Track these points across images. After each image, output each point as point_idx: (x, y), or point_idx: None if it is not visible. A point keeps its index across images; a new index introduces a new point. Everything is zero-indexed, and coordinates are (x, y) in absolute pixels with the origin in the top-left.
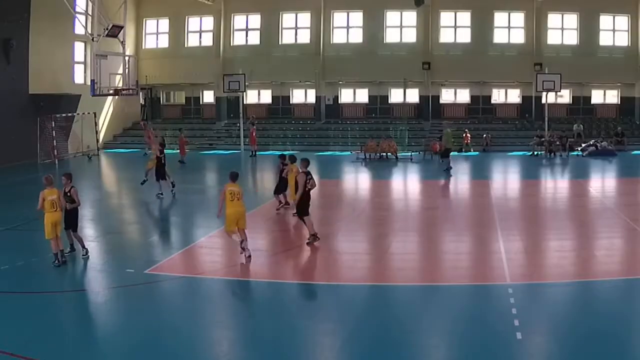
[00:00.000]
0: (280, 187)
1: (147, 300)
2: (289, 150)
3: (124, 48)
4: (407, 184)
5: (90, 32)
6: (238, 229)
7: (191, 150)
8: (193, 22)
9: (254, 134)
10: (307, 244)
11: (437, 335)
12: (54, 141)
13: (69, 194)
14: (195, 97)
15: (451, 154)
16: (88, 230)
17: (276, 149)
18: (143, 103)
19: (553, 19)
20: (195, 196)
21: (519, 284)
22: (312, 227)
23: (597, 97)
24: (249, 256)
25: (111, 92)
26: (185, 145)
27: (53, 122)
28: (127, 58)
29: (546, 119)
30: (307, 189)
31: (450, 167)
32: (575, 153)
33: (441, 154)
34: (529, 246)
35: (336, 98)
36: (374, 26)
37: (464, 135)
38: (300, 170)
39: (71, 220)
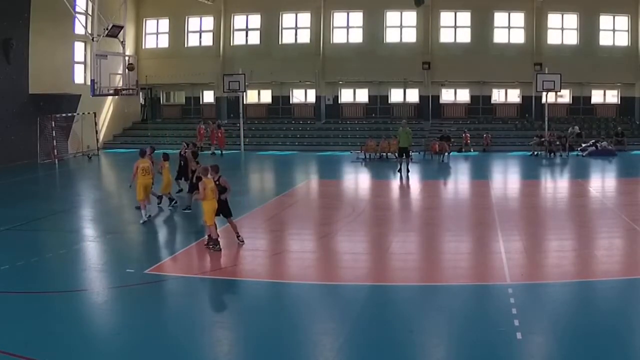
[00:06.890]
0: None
1: (147, 300)
2: (289, 151)
3: (124, 48)
4: (406, 183)
5: (90, 32)
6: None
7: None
8: (193, 22)
9: (219, 135)
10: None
11: (437, 335)
12: (54, 141)
13: (217, 182)
14: (195, 97)
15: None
16: (88, 230)
17: (276, 149)
18: (143, 103)
19: (553, 19)
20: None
21: (519, 284)
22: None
23: (597, 97)
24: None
25: (111, 92)
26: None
27: (53, 122)
28: (127, 58)
29: (546, 119)
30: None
31: (407, 170)
32: (575, 153)
33: (405, 154)
34: (529, 246)
35: (336, 98)
36: (374, 26)
37: (464, 135)
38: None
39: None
